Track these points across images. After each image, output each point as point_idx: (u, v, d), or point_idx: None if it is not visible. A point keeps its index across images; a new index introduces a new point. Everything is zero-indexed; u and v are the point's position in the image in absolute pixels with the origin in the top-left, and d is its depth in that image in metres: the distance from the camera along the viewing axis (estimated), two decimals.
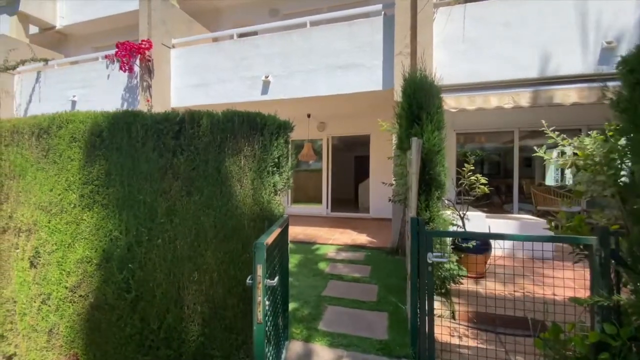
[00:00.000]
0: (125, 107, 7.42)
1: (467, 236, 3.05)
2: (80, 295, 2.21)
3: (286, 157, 2.45)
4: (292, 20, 6.41)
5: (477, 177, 4.06)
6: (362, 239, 5.92)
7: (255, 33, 6.93)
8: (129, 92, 7.42)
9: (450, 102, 5.14)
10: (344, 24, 5.88)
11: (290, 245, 5.76)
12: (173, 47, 7.24)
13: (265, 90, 6.35)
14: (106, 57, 7.60)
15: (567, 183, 8.93)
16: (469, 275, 3.73)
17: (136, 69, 7.20)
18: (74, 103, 7.98)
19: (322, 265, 4.53)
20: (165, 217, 2.16)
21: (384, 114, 5.47)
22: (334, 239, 5.87)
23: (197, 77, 6.93)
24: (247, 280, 1.48)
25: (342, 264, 4.60)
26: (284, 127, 2.39)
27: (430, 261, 2.20)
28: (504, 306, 2.37)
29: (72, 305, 2.22)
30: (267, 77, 6.26)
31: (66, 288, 2.22)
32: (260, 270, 1.45)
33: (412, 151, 2.31)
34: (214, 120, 2.20)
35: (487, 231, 4.11)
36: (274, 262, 1.99)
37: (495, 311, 2.54)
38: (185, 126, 2.21)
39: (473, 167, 4.02)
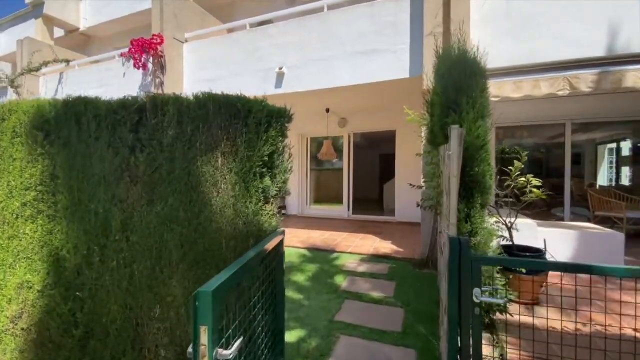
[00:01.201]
0: None
1: (534, 266, 2.19)
2: (22, 328, 1.77)
3: (281, 153, 1.89)
4: (307, 5, 5.84)
5: (527, 178, 3.30)
6: (385, 247, 5.26)
7: (271, 22, 6.44)
8: (143, 89, 7.21)
9: (490, 89, 4.34)
10: (365, 4, 5.23)
11: (305, 253, 5.24)
12: (185, 41, 6.93)
13: (279, 83, 5.84)
14: (121, 54, 7.45)
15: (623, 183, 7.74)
16: (519, 300, 2.99)
17: (149, 65, 6.96)
18: None
19: (339, 279, 3.94)
20: (120, 232, 1.67)
21: (411, 107, 4.77)
22: (354, 247, 5.25)
23: (210, 72, 6.57)
24: (188, 350, 0.93)
25: (361, 278, 3.98)
26: (278, 116, 1.82)
27: (477, 300, 1.55)
28: (574, 347, 1.67)
29: (14, 339, 1.79)
30: (280, 68, 5.74)
31: (7, 318, 1.79)
32: (204, 335, 0.89)
33: (450, 145, 1.68)
34: (182, 107, 1.68)
35: (543, 245, 3.33)
36: (251, 302, 1.43)
37: (562, 355, 1.84)
38: (146, 115, 1.71)
39: (522, 166, 3.27)
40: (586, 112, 6.19)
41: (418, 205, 3.53)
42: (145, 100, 1.70)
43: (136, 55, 6.78)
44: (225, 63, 6.37)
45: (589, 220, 6.32)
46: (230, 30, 6.96)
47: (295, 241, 5.68)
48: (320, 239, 5.86)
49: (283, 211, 8.63)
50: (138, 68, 6.96)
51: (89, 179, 1.71)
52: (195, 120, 1.66)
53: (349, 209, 8.38)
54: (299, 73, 5.68)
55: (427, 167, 3.63)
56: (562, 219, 6.62)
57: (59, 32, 10.56)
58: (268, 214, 1.80)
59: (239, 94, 1.69)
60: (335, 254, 4.96)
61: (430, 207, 3.40)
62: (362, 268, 4.33)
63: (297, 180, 8.84)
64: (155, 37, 6.58)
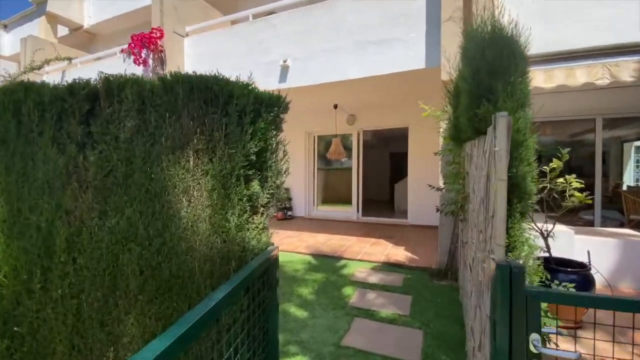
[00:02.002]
0: None
1: (621, 307, 1.36)
2: None
3: (274, 151, 1.51)
4: None
5: (567, 179, 2.84)
6: (399, 254, 4.83)
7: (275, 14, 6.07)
8: None
9: None
10: None
11: (310, 260, 4.86)
12: (187, 35, 6.62)
13: (283, 77, 5.47)
14: (122, 51, 7.19)
15: None
16: (561, 325, 2.54)
17: (150, 61, 6.67)
18: None
19: (347, 292, 3.54)
20: (65, 253, 1.31)
21: (426, 101, 4.31)
22: (365, 253, 4.84)
23: (211, 67, 6.21)
24: None
25: (373, 291, 3.57)
26: (269, 104, 1.44)
27: (536, 351, 1.13)
28: None
29: None
30: (285, 61, 5.36)
31: None
32: None
33: (495, 139, 1.27)
34: (144, 92, 1.31)
35: (587, 258, 2.85)
36: (231, 348, 1.05)
37: None
38: (100, 103, 1.34)
39: (562, 166, 2.81)
40: (621, 106, 5.63)
41: (438, 210, 3.11)
42: (97, 85, 1.33)
43: (136, 51, 6.50)
44: (227, 57, 6.04)
45: (622, 225, 5.77)
46: (234, 23, 6.62)
47: (301, 246, 5.30)
48: (327, 244, 5.47)
49: (289, 213, 8.26)
50: (138, 65, 6.67)
51: (31, 185, 1.36)
52: (160, 108, 1.29)
53: (358, 211, 7.96)
54: (305, 66, 5.29)
55: (448, 167, 3.20)
56: (591, 224, 6.06)
57: (64, 31, 10.44)
58: (257, 228, 1.41)
59: (217, 74, 1.31)
60: (343, 262, 4.56)
61: (452, 212, 2.97)
62: (373, 278, 3.91)
63: (305, 181, 8.46)
64: (154, 30, 6.28)
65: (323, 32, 5.14)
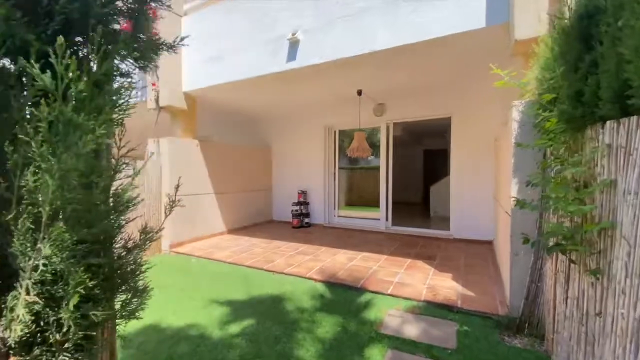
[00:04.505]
0: (135, 95, 6.14)
1: None
2: None
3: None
4: None
5: None
6: (446, 286, 3.55)
7: None
8: (138, 75, 6.11)
9: None
10: None
11: (323, 292, 3.59)
12: (185, 14, 5.69)
13: (292, 55, 4.35)
14: None
15: None
16: None
17: None
18: None
19: (374, 356, 2.35)
20: None
21: (475, 82, 2.94)
22: (397, 284, 3.61)
23: (210, 50, 5.25)
24: None
25: (413, 355, 2.36)
26: None
27: None
28: None
29: None
30: (294, 34, 4.25)
31: None
32: None
33: None
34: None
35: None
36: None
37: None
38: None
39: None
40: None
41: (527, 242, 1.84)
42: None
43: None
44: (227, 37, 5.02)
45: None
46: None
47: (312, 268, 4.16)
48: (346, 266, 4.28)
49: (306, 220, 7.16)
50: None
51: None
52: None
53: (387, 219, 6.69)
54: (320, 39, 4.14)
55: (540, 171, 1.91)
56: None
57: None
58: None
59: None
60: (368, 296, 3.36)
61: (561, 250, 1.69)
62: (412, 330, 2.69)
63: (324, 182, 7.32)
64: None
65: None
